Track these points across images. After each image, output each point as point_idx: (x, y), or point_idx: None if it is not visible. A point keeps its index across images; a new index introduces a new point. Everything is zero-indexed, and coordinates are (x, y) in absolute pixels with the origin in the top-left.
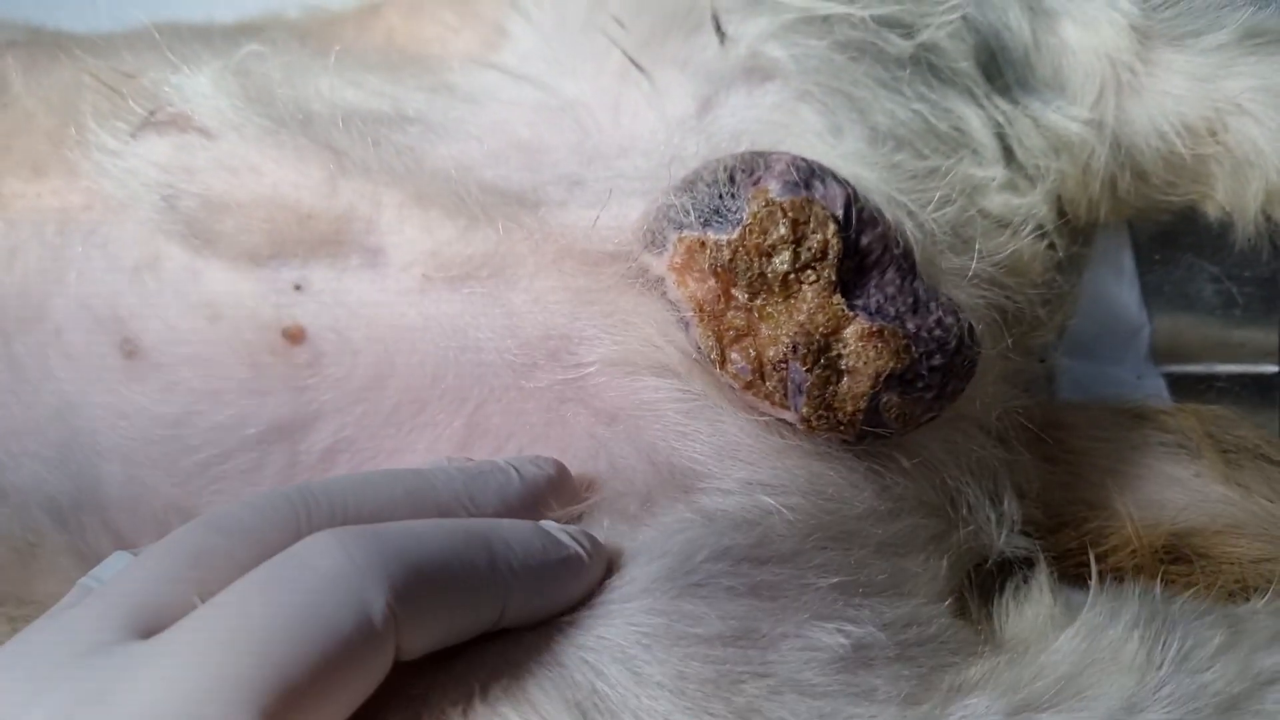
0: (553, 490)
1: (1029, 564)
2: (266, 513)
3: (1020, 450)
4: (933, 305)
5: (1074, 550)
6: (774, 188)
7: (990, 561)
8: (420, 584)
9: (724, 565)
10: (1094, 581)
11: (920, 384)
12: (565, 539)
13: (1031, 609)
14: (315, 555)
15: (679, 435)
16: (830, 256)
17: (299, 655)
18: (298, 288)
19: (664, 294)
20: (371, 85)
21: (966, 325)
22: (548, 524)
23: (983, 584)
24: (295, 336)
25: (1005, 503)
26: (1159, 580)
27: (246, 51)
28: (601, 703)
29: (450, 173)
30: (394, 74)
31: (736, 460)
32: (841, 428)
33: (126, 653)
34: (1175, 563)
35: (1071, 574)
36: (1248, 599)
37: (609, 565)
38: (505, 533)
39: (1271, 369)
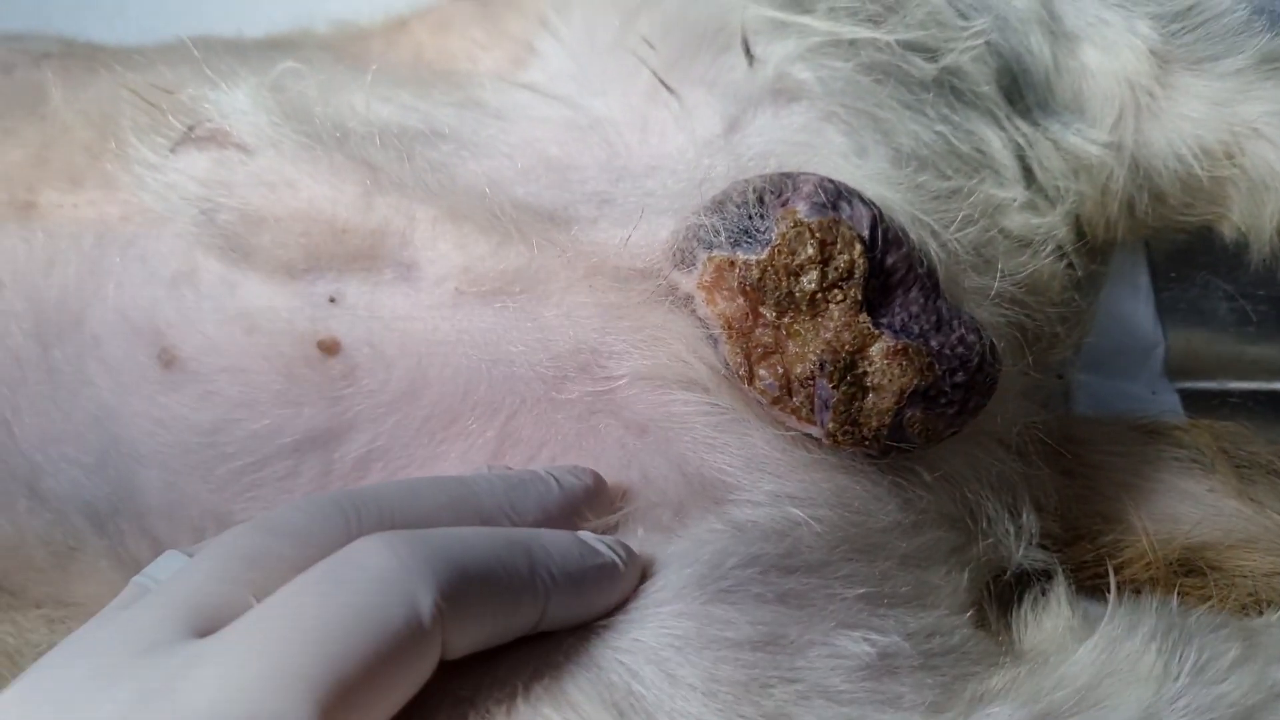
0: (590, 499)
1: (1046, 576)
2: (317, 517)
3: (1039, 464)
4: (955, 323)
5: (1089, 563)
6: (802, 209)
7: (1009, 574)
8: (466, 586)
9: (753, 573)
10: (1112, 594)
11: (943, 400)
12: (602, 548)
13: (1050, 621)
14: (367, 556)
15: (708, 447)
16: (856, 276)
17: (352, 651)
18: (332, 301)
19: (693, 311)
20: (403, 101)
21: (989, 343)
22: (585, 534)
23: (1001, 596)
24: (330, 349)
25: (1024, 516)
26: (1174, 593)
27: (283, 68)
28: (638, 703)
29: (483, 189)
30: (424, 90)
31: (765, 473)
32: (866, 442)
33: (188, 650)
34: (1189, 576)
35: (1087, 586)
36: (1261, 613)
37: (643, 572)
38: (545, 540)
39: None
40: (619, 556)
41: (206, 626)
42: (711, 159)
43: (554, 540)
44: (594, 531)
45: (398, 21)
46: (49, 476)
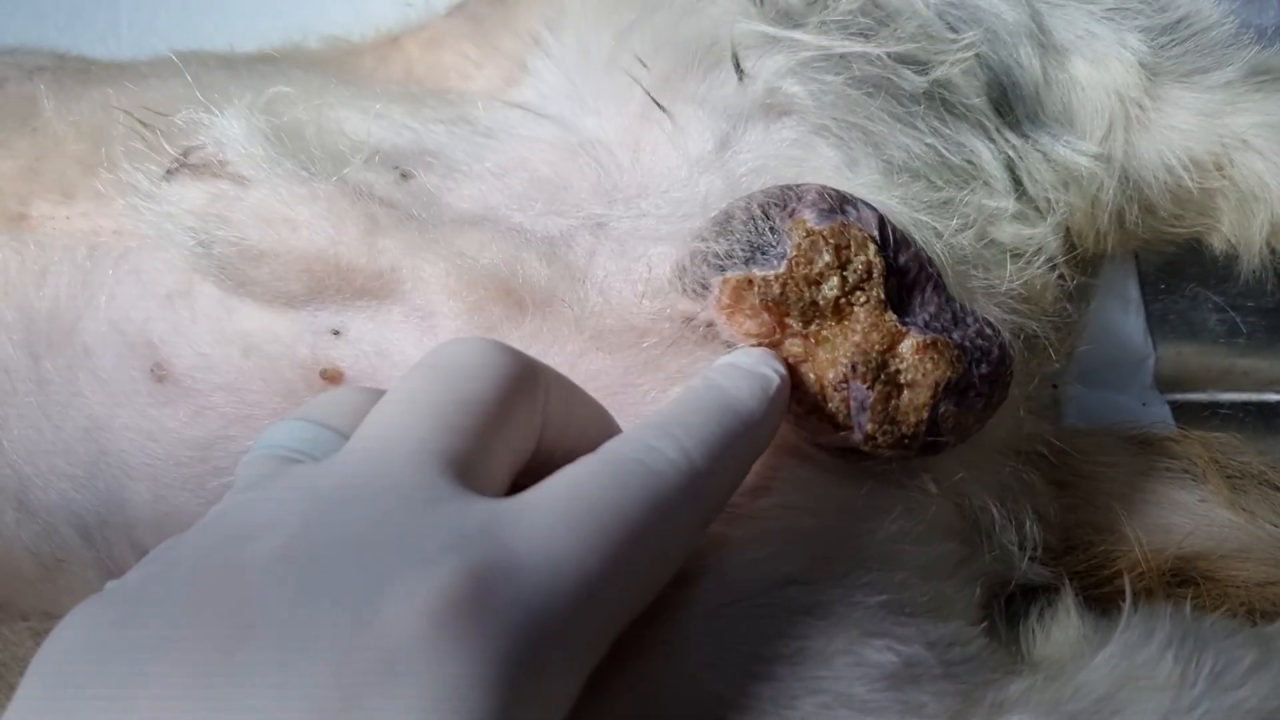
0: None
1: (1052, 590)
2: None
3: (1036, 473)
4: (969, 319)
5: (1080, 573)
6: (810, 217)
7: (1012, 586)
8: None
9: (777, 588)
10: (1128, 601)
11: (973, 393)
12: (766, 369)
13: (1059, 632)
14: (639, 448)
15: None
16: (875, 275)
17: (646, 526)
18: (336, 333)
19: (717, 337)
20: (395, 118)
21: (1005, 336)
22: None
23: (1007, 611)
24: (333, 378)
25: (1027, 526)
26: (1187, 601)
27: (274, 92)
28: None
29: (483, 216)
30: (416, 107)
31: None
32: (905, 441)
33: (485, 504)
34: (1182, 586)
35: (1082, 597)
36: (1255, 623)
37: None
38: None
39: (1275, 398)
40: (778, 372)
41: (465, 477)
42: (703, 177)
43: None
44: None
45: (390, 38)
46: (38, 488)
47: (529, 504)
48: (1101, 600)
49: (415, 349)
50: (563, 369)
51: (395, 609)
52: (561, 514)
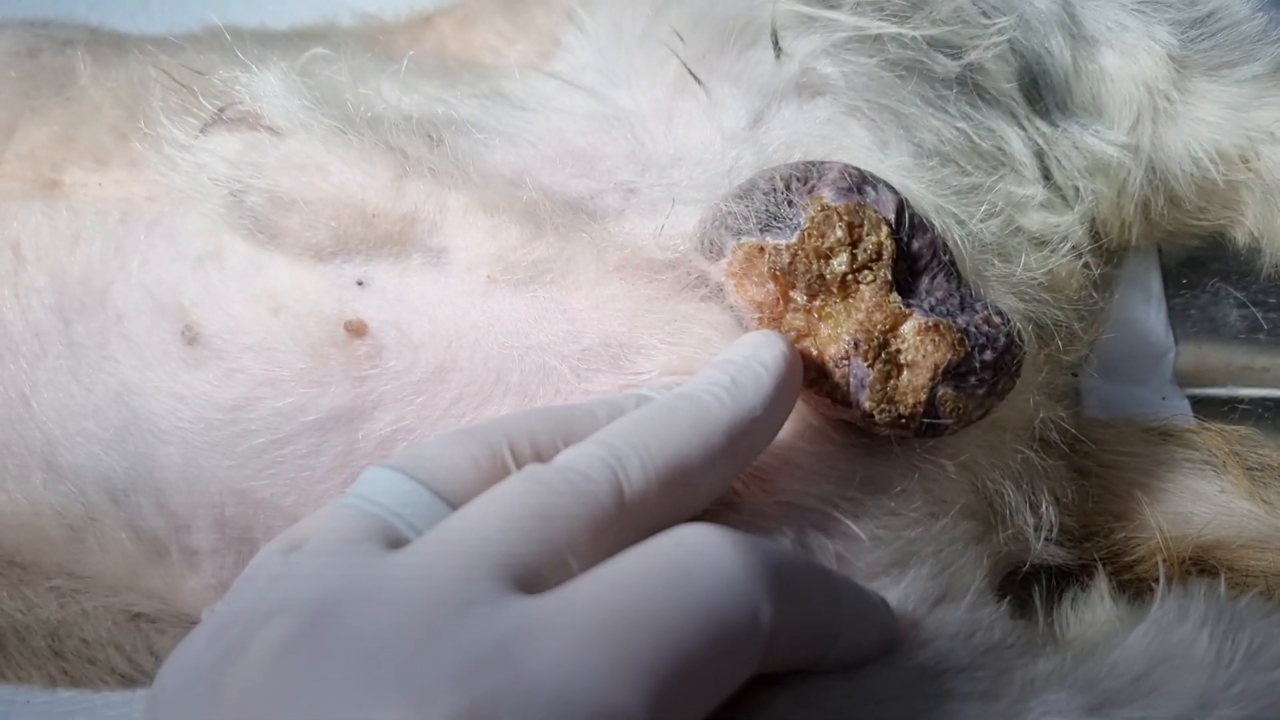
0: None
1: (1084, 575)
2: (589, 472)
3: (1056, 458)
4: (979, 306)
5: (1102, 559)
6: (828, 194)
7: (1027, 565)
8: (790, 604)
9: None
10: (1162, 580)
11: (974, 378)
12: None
13: (1090, 614)
14: (709, 548)
15: None
16: (885, 257)
17: (697, 652)
18: (360, 284)
19: (723, 299)
20: (429, 90)
21: (1014, 326)
22: None
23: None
24: (357, 330)
25: (1043, 508)
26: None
27: (313, 53)
28: None
29: (513, 177)
30: (451, 80)
31: (795, 466)
32: (903, 421)
33: (514, 609)
34: (1201, 574)
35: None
36: None
37: None
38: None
39: None
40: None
41: (522, 583)
42: (736, 150)
43: (845, 581)
44: None
45: (423, 17)
46: (66, 451)
47: (562, 609)
48: (1124, 587)
49: (432, 290)
50: (580, 292)
51: None
52: (593, 629)
